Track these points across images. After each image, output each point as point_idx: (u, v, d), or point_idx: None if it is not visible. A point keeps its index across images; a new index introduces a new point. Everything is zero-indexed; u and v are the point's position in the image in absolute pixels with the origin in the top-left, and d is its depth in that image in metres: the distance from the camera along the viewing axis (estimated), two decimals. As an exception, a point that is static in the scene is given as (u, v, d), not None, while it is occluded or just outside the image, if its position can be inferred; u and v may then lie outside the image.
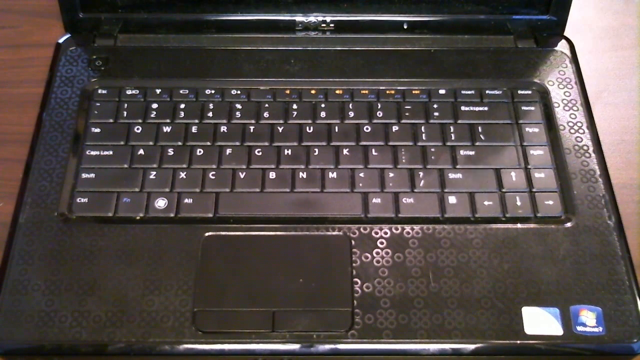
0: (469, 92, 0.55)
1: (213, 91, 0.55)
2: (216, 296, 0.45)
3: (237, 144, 0.52)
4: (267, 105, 0.54)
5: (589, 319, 0.44)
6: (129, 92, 0.55)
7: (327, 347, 0.44)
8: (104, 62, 0.56)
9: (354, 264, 0.46)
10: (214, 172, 0.50)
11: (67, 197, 0.49)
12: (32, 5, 0.64)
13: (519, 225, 0.48)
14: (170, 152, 0.51)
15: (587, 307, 0.45)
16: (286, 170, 0.51)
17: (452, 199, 0.49)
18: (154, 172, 0.50)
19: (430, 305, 0.45)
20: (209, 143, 0.52)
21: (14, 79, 0.59)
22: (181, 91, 0.55)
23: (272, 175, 0.50)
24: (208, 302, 0.45)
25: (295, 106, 0.54)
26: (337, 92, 0.55)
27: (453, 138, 0.52)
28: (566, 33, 0.58)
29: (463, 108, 0.54)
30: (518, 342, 0.44)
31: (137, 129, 0.53)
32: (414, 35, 0.58)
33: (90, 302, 0.45)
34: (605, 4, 0.66)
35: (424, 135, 0.52)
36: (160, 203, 0.49)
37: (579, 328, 0.44)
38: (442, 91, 0.55)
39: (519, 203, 0.49)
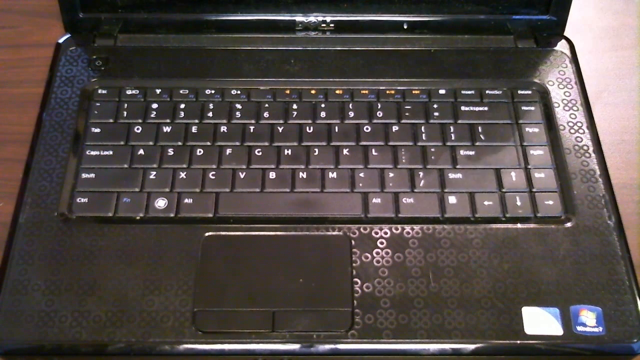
0: (469, 92, 0.55)
1: (213, 91, 0.55)
2: (216, 296, 0.45)
3: (237, 144, 0.52)
4: (267, 105, 0.54)
5: (589, 319, 0.44)
6: (129, 92, 0.55)
7: (327, 347, 0.44)
8: (104, 62, 0.56)
9: (354, 264, 0.46)
10: (214, 172, 0.50)
11: (67, 197, 0.49)
12: (32, 5, 0.64)
13: (519, 225, 0.48)
14: (170, 152, 0.51)
15: (587, 307, 0.45)
16: (286, 170, 0.51)
17: (452, 199, 0.49)
18: (154, 172, 0.50)
19: (430, 305, 0.45)
20: (209, 143, 0.52)
21: (14, 79, 0.59)
22: (181, 91, 0.55)
23: (272, 175, 0.50)
24: (208, 302, 0.45)
25: (295, 106, 0.54)
26: (337, 92, 0.55)
27: (453, 138, 0.52)
28: (566, 33, 0.58)
29: (463, 108, 0.54)
30: (518, 342, 0.44)
31: (137, 129, 0.53)
32: (414, 35, 0.58)
33: (90, 302, 0.45)
34: (605, 4, 0.66)
35: (424, 135, 0.52)
36: (160, 203, 0.49)
37: (579, 328, 0.44)
38: (442, 91, 0.55)
39: (519, 203, 0.49)
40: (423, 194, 0.50)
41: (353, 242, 0.47)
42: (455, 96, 0.55)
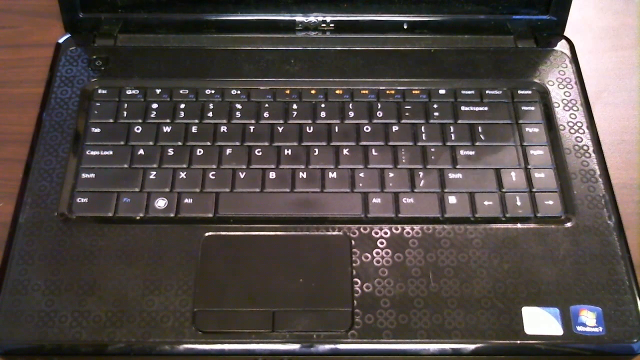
0: (469, 92, 0.55)
1: (213, 91, 0.55)
2: (216, 296, 0.45)
3: (237, 144, 0.52)
4: (267, 105, 0.54)
5: (589, 319, 0.44)
6: (129, 92, 0.55)
7: (327, 347, 0.44)
8: (104, 62, 0.56)
9: (354, 264, 0.46)
10: (214, 172, 0.50)
11: (67, 197, 0.49)
12: (32, 5, 0.64)
13: (519, 225, 0.48)
14: (170, 152, 0.51)
15: (587, 307, 0.45)
16: (286, 170, 0.51)
17: (452, 199, 0.49)
18: (154, 172, 0.50)
19: (430, 305, 0.45)
20: (209, 143, 0.52)
21: (14, 79, 0.59)
22: (181, 91, 0.55)
23: (272, 175, 0.50)
24: (208, 302, 0.45)
25: (295, 106, 0.54)
26: (337, 92, 0.55)
27: (453, 138, 0.52)
28: (566, 33, 0.58)
29: (463, 108, 0.54)
30: (518, 342, 0.44)
31: (137, 129, 0.53)
32: (414, 35, 0.58)
33: (90, 302, 0.45)
34: (605, 4, 0.66)
35: (424, 135, 0.52)
36: (160, 203, 0.49)
37: (579, 328, 0.44)
38: (442, 91, 0.55)
39: (519, 203, 0.49)
40: (423, 194, 0.50)
41: (353, 242, 0.47)
42: (455, 96, 0.55)
